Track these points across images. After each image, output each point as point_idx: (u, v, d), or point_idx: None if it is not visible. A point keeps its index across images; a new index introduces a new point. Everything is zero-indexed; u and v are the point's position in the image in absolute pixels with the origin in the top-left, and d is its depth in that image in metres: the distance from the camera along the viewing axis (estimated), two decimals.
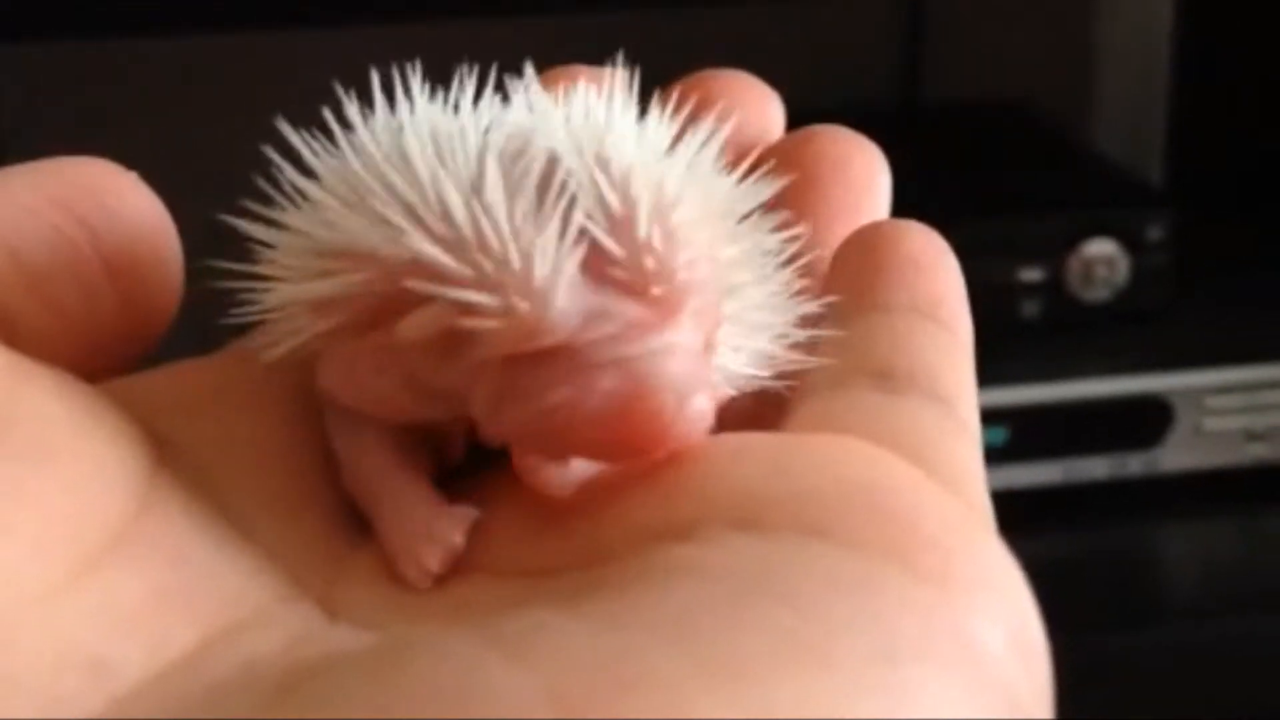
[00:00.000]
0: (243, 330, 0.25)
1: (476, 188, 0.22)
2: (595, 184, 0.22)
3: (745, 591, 0.19)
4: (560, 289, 0.21)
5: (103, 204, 0.24)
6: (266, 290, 0.24)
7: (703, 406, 0.21)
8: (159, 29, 0.91)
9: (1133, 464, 0.79)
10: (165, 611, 0.20)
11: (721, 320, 0.23)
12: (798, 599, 0.19)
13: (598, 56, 0.27)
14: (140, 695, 0.19)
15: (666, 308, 0.21)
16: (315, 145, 0.24)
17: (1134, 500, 0.79)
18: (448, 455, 0.24)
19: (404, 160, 0.22)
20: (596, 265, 0.21)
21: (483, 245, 0.21)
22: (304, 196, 0.24)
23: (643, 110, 0.24)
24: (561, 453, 0.22)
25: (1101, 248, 0.82)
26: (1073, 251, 0.81)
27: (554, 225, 0.21)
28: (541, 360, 0.21)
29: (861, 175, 0.27)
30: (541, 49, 0.24)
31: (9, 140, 0.90)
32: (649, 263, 0.21)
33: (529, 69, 0.25)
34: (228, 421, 0.24)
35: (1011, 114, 0.99)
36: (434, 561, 0.22)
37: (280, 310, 0.24)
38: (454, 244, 0.21)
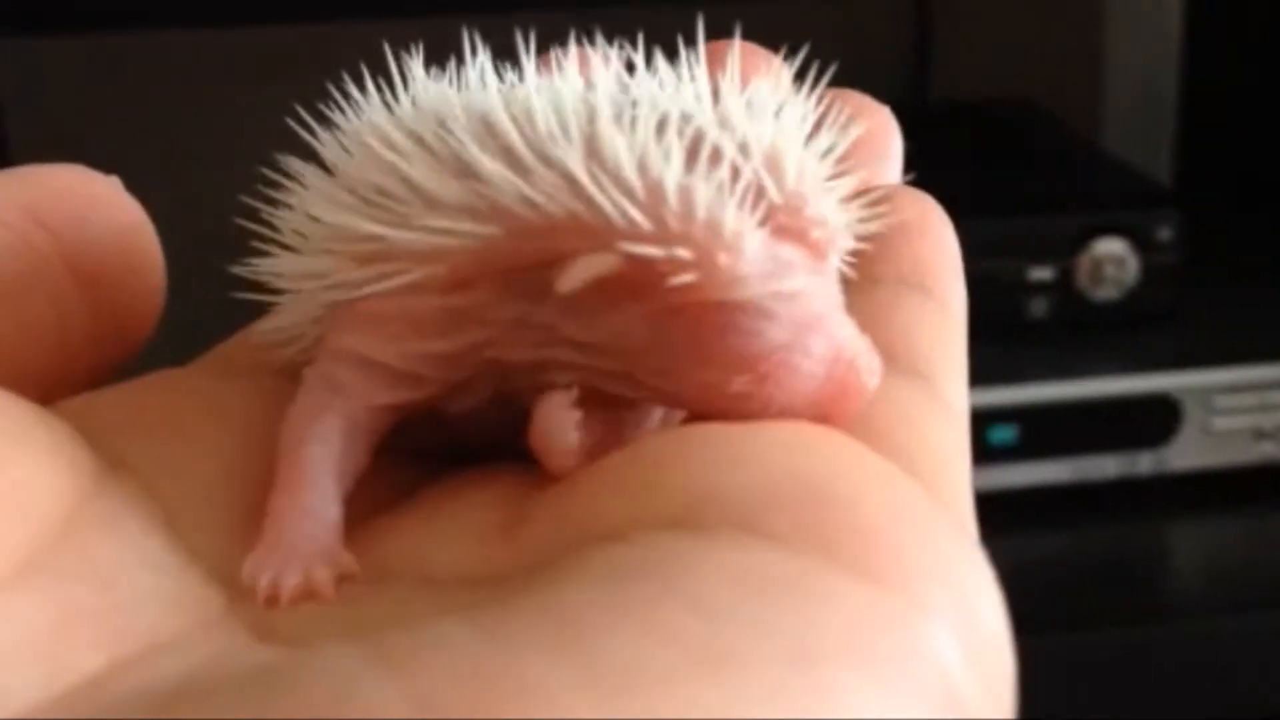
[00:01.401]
0: (259, 313, 0.25)
1: (623, 144, 0.21)
2: (742, 139, 0.22)
3: (648, 594, 0.17)
4: (750, 240, 0.21)
5: (75, 212, 0.23)
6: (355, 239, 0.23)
7: (877, 364, 0.22)
8: (162, 24, 0.92)
9: (1142, 462, 0.79)
10: (74, 635, 0.19)
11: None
12: (704, 600, 0.17)
13: None
14: None
15: (822, 252, 0.22)
16: (399, 102, 0.23)
17: (1143, 498, 0.80)
18: (452, 437, 0.24)
19: (529, 120, 0.22)
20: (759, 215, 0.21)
21: (660, 199, 0.21)
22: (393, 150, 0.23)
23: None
24: (741, 413, 0.21)
25: (1111, 247, 0.82)
26: (1082, 251, 0.82)
27: (722, 177, 0.21)
28: (734, 316, 0.21)
29: (868, 138, 0.26)
30: (542, 45, 0.24)
31: (12, 135, 0.90)
32: (808, 209, 0.22)
33: (607, 49, 0.24)
34: (181, 441, 0.23)
35: (1021, 113, 0.99)
36: (286, 595, 0.21)
37: (322, 270, 0.23)
38: (627, 198, 0.21)
